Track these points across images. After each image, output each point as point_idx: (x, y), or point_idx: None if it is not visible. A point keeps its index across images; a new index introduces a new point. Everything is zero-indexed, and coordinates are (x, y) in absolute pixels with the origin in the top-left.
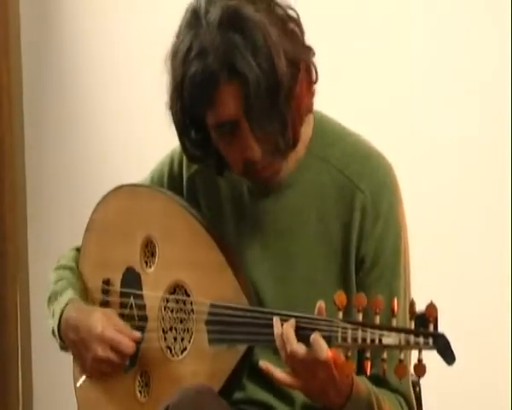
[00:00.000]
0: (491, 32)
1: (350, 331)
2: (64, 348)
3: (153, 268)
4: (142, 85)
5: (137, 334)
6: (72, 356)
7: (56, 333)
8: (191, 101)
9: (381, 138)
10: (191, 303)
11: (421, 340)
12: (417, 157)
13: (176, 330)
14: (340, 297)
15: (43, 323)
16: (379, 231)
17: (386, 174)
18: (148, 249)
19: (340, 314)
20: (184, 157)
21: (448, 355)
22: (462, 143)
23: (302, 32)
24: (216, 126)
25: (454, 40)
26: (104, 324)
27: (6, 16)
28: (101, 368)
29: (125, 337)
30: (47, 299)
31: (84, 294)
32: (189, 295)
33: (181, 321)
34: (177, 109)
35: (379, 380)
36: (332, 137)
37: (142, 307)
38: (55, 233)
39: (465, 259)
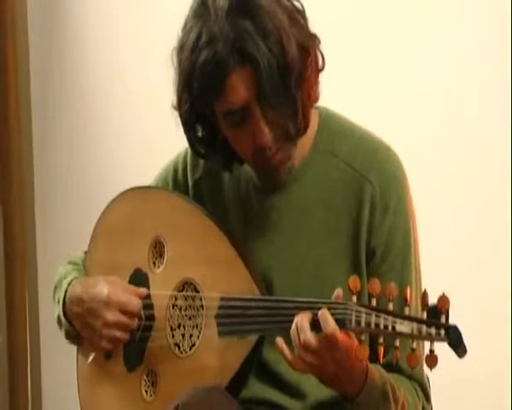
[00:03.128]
0: (491, 32)
1: (364, 316)
2: (69, 336)
3: (161, 268)
4: (149, 83)
5: (143, 290)
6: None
7: (62, 315)
8: (201, 91)
9: (384, 134)
10: (200, 299)
11: (433, 331)
12: (418, 152)
13: (184, 327)
14: (355, 282)
15: (52, 324)
16: (389, 223)
17: (395, 166)
18: (157, 250)
19: (354, 298)
20: (189, 163)
21: (459, 347)
22: (463, 139)
23: (307, 23)
24: (226, 115)
25: (456, 38)
26: (109, 288)
27: (14, 17)
28: (114, 334)
29: (132, 296)
30: (53, 290)
31: None
32: (198, 292)
33: (189, 318)
34: (185, 104)
35: (393, 367)
36: (338, 131)
37: (150, 307)
38: (64, 235)
39: (467, 253)
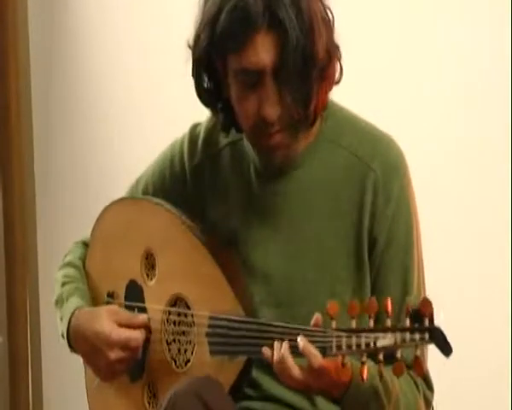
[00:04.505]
0: (492, 31)
1: (344, 339)
2: (74, 351)
3: (154, 281)
4: (151, 80)
5: (144, 318)
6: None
7: (66, 340)
8: (222, 35)
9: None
10: (192, 316)
11: (416, 336)
12: (418, 148)
13: (179, 341)
14: (333, 307)
15: (52, 324)
16: (391, 212)
17: (397, 157)
18: (149, 262)
19: (334, 324)
20: (186, 150)
21: (445, 347)
22: (464, 141)
23: (333, 33)
24: (239, 72)
25: (459, 38)
26: (110, 326)
27: (14, 15)
28: (116, 369)
29: (132, 331)
30: (54, 301)
31: (91, 297)
32: (189, 308)
33: (183, 333)
34: (201, 44)
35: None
36: (342, 121)
37: None
38: (65, 234)
39: (466, 253)
